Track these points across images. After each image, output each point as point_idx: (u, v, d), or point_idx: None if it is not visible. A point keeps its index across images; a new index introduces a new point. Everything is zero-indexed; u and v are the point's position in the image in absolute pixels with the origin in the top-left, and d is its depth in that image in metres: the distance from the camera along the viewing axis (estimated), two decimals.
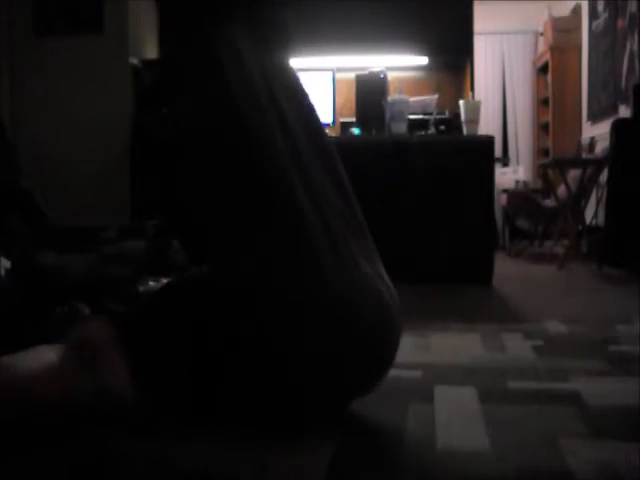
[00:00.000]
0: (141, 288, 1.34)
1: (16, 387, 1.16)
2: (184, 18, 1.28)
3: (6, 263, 1.85)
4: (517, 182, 6.16)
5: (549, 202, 5.36)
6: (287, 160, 1.19)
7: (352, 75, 3.91)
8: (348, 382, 1.23)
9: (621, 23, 5.08)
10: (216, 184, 1.22)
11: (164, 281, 1.37)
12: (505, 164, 6.55)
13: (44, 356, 1.20)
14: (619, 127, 3.96)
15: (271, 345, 1.16)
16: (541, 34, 7.10)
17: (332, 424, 1.23)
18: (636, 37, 4.73)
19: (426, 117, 3.85)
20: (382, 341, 1.24)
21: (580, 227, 4.58)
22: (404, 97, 3.66)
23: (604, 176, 4.25)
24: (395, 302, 1.28)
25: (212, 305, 1.21)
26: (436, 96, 4.06)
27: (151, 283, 1.36)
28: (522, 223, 6.02)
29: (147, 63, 3.64)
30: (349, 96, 3.83)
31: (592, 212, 4.90)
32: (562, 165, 4.63)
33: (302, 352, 1.15)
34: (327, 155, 1.30)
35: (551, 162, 4.97)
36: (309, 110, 1.31)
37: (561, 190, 4.98)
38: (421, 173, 3.41)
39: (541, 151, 7.11)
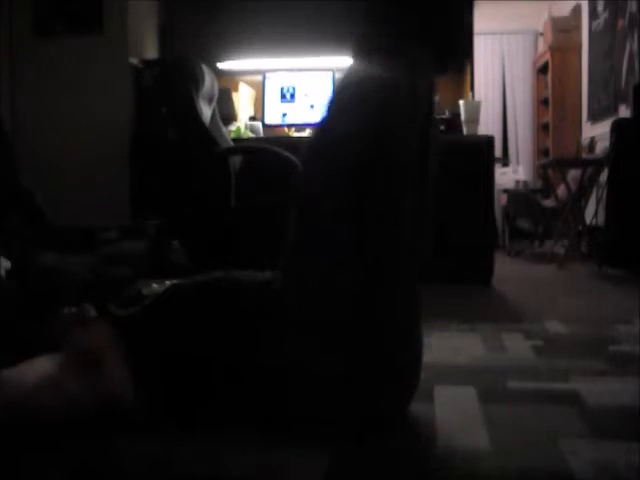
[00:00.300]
0: (143, 290, 1.34)
1: (17, 400, 1.16)
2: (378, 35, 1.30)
3: (6, 263, 1.85)
4: (517, 182, 6.16)
5: (549, 202, 5.36)
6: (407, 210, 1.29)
7: None
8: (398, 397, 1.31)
9: (621, 23, 5.07)
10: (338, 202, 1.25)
11: (166, 283, 1.37)
12: (505, 164, 6.55)
13: (44, 367, 1.21)
14: (619, 127, 3.96)
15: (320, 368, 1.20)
16: (541, 34, 7.10)
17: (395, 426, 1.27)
18: (636, 37, 4.73)
19: None
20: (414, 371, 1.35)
21: (580, 227, 4.58)
22: None
23: (604, 176, 4.25)
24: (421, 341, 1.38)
25: (239, 312, 1.23)
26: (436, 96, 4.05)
27: (154, 285, 1.36)
28: (522, 223, 6.01)
29: (147, 63, 3.64)
30: None
31: (592, 212, 4.89)
32: (562, 165, 4.63)
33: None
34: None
35: (551, 162, 4.97)
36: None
37: (561, 190, 4.97)
38: None
39: (541, 151, 7.11)
